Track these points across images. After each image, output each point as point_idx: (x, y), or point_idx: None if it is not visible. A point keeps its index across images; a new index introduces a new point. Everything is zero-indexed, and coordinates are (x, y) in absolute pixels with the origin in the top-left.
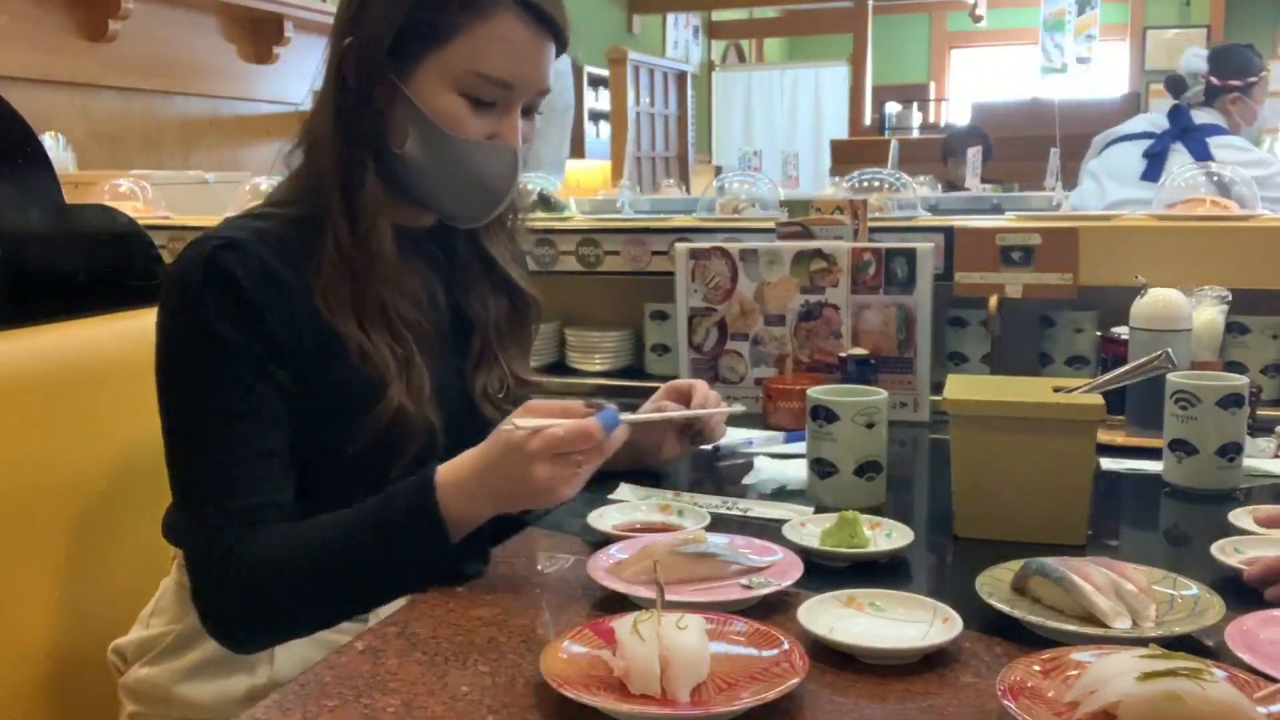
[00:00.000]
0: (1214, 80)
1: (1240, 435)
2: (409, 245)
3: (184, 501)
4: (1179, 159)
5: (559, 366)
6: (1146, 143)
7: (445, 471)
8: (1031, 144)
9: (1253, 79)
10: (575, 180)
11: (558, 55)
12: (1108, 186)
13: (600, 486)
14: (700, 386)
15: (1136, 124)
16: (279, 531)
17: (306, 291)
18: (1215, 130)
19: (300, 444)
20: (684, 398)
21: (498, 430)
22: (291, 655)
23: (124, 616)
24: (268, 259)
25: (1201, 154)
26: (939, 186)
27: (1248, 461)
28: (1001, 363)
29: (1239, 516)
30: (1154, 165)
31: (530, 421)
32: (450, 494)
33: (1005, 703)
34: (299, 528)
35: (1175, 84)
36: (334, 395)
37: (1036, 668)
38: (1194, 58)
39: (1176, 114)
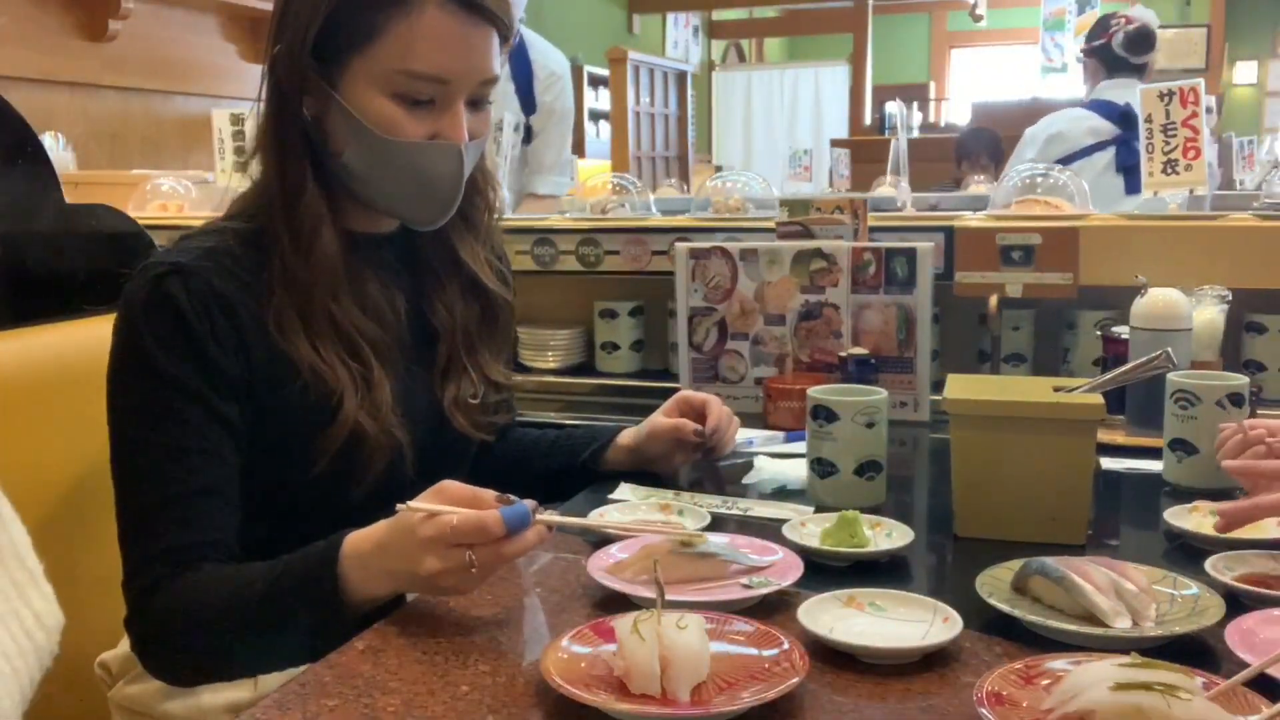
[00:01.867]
0: (1128, 57)
1: None
2: (367, 253)
3: (119, 533)
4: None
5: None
6: (1105, 154)
7: (353, 541)
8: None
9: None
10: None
11: (503, 41)
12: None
13: (600, 486)
14: (714, 404)
15: (1077, 134)
16: (195, 579)
17: (258, 313)
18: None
19: (260, 470)
20: (696, 413)
21: (400, 510)
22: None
23: (114, 627)
24: (216, 283)
25: None
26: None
27: None
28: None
29: (1177, 514)
30: (1131, 178)
31: (426, 505)
32: (352, 565)
33: (981, 710)
34: (214, 576)
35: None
36: (289, 419)
37: (1015, 676)
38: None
39: (1109, 108)
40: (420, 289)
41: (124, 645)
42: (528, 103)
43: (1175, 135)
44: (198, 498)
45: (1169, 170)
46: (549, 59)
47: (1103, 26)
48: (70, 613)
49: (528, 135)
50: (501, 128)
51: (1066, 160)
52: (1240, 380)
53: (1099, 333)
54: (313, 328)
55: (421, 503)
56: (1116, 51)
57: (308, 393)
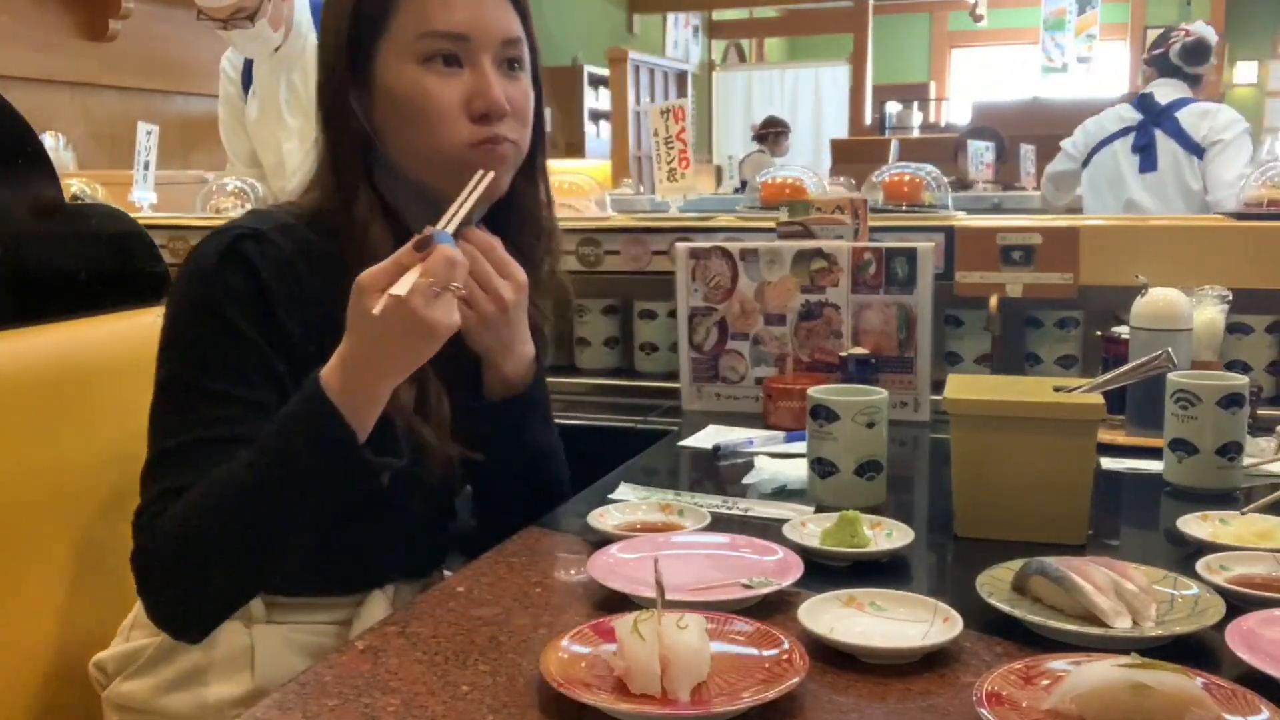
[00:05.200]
0: (1182, 65)
1: (1241, 435)
2: None
3: (141, 472)
4: (1165, 145)
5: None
6: (1128, 138)
7: (329, 368)
8: (1032, 144)
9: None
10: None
11: (516, 5)
12: (1108, 195)
13: (600, 486)
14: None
15: (1109, 123)
16: (196, 488)
17: (322, 291)
18: (1181, 103)
19: None
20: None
21: (361, 315)
22: (272, 663)
23: (108, 628)
24: (289, 253)
25: (1176, 132)
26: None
27: (1248, 461)
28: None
29: (1189, 523)
30: (1146, 157)
31: (404, 284)
32: (338, 386)
33: (980, 710)
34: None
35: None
36: None
37: (1015, 676)
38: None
39: (1143, 101)
40: None
41: (118, 644)
42: None
43: (673, 148)
44: (233, 445)
45: (671, 178)
46: None
47: (1163, 38)
48: (65, 614)
49: None
50: None
51: (1099, 145)
52: (1240, 380)
53: (1100, 333)
54: None
55: (395, 289)
56: (1173, 61)
57: None
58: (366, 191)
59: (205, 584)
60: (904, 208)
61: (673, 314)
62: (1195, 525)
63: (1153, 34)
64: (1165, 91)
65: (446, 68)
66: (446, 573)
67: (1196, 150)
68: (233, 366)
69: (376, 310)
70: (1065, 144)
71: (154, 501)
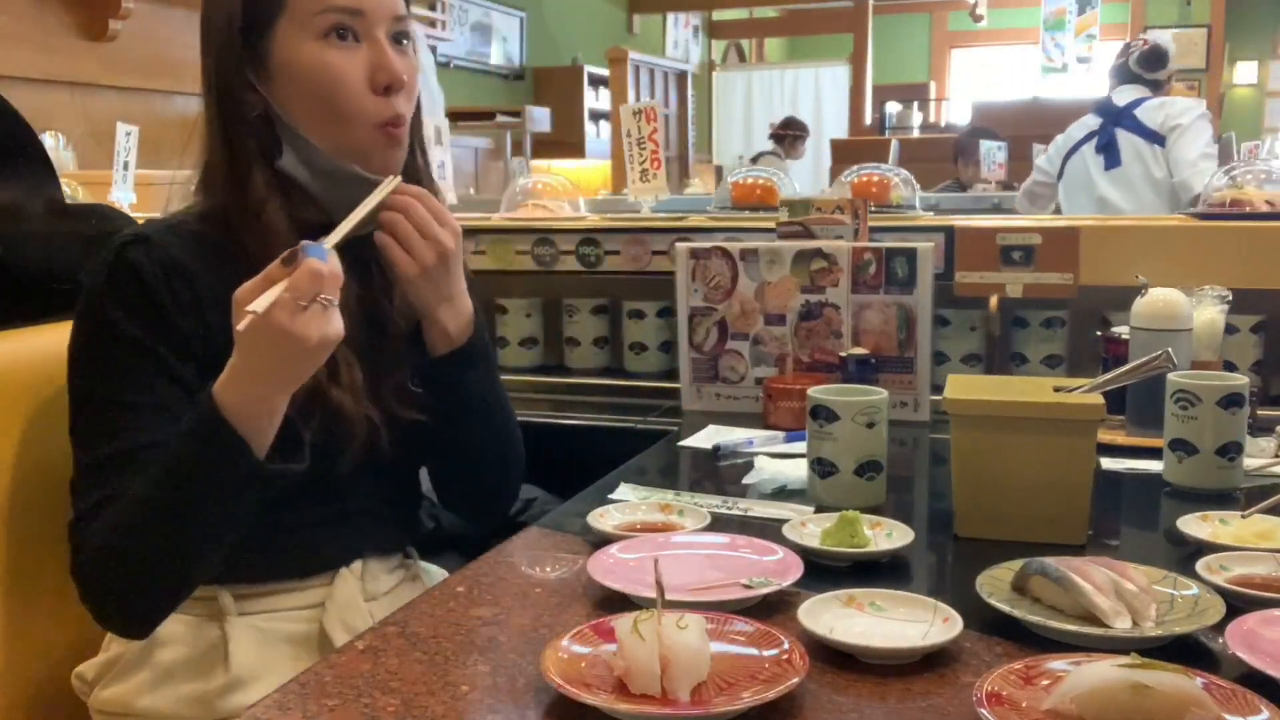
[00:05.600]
0: (1141, 72)
1: (1241, 435)
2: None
3: (70, 486)
4: (1126, 139)
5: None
6: (1092, 142)
7: (219, 384)
8: (1032, 144)
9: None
10: (575, 179)
11: None
12: (1081, 197)
13: (600, 486)
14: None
15: (1076, 132)
16: (116, 506)
17: (218, 287)
18: (1138, 102)
19: None
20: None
21: (237, 331)
22: (247, 655)
23: (89, 639)
24: (177, 253)
25: (1135, 127)
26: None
27: (1252, 462)
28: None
29: (1189, 524)
30: (1109, 156)
31: (263, 301)
32: (231, 398)
33: (980, 710)
34: (128, 496)
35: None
36: None
37: (1015, 676)
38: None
39: (1103, 105)
40: (370, 283)
41: (101, 655)
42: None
43: (645, 148)
44: (150, 450)
45: (644, 179)
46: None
47: (1124, 50)
48: (46, 624)
49: None
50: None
51: (1068, 155)
52: (1240, 380)
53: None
54: None
55: (253, 306)
56: (1132, 68)
57: None
58: (261, 170)
59: (139, 589)
60: (872, 208)
61: (661, 314)
62: (1195, 525)
63: (1156, 35)
64: (1123, 94)
65: (343, 42)
66: (425, 566)
67: (1157, 139)
68: (134, 376)
69: (240, 327)
70: (1040, 161)
71: (83, 515)
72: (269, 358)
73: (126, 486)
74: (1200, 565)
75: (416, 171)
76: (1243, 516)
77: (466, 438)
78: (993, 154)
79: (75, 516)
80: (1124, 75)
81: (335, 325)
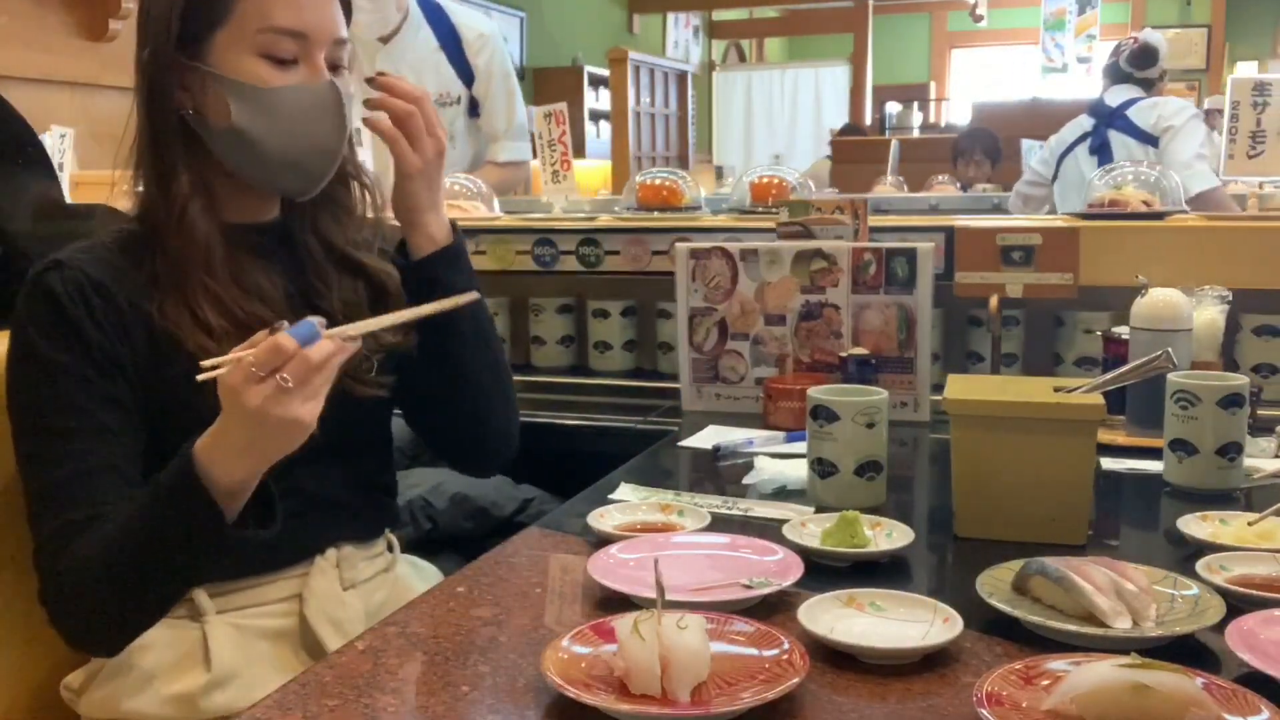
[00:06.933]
0: (1132, 71)
1: (1241, 435)
2: (244, 240)
3: (28, 520)
4: (1119, 140)
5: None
6: (1085, 143)
7: (200, 442)
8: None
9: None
10: (575, 179)
11: (346, 10)
12: (1074, 198)
13: (600, 486)
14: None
15: (1069, 134)
16: (87, 538)
17: (136, 299)
18: (1130, 102)
19: (166, 448)
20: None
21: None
22: (228, 652)
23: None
24: (91, 272)
25: (1127, 127)
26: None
27: (1248, 461)
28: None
29: (1189, 524)
30: (1103, 155)
31: (224, 359)
32: (207, 460)
33: (980, 710)
34: (101, 530)
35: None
36: (181, 396)
37: (1015, 676)
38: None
39: (1096, 106)
40: (301, 273)
41: (86, 662)
42: (463, 70)
43: (556, 150)
44: (94, 475)
45: (555, 179)
46: (475, 21)
47: (1115, 49)
48: (33, 637)
49: (474, 108)
50: (447, 103)
51: (1062, 156)
52: (1240, 380)
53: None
54: (194, 304)
55: (211, 361)
56: (1123, 67)
57: (195, 369)
58: (186, 170)
59: (107, 620)
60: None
61: (625, 313)
62: (1195, 525)
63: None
64: (1116, 94)
65: (282, 65)
66: (415, 561)
67: (1150, 140)
68: (67, 401)
69: (199, 378)
70: (1034, 163)
71: (44, 545)
72: (233, 423)
73: (83, 513)
74: (1200, 565)
75: (351, 200)
76: (1250, 525)
77: (460, 366)
78: (1032, 151)
79: (36, 546)
80: (1116, 74)
81: (297, 411)
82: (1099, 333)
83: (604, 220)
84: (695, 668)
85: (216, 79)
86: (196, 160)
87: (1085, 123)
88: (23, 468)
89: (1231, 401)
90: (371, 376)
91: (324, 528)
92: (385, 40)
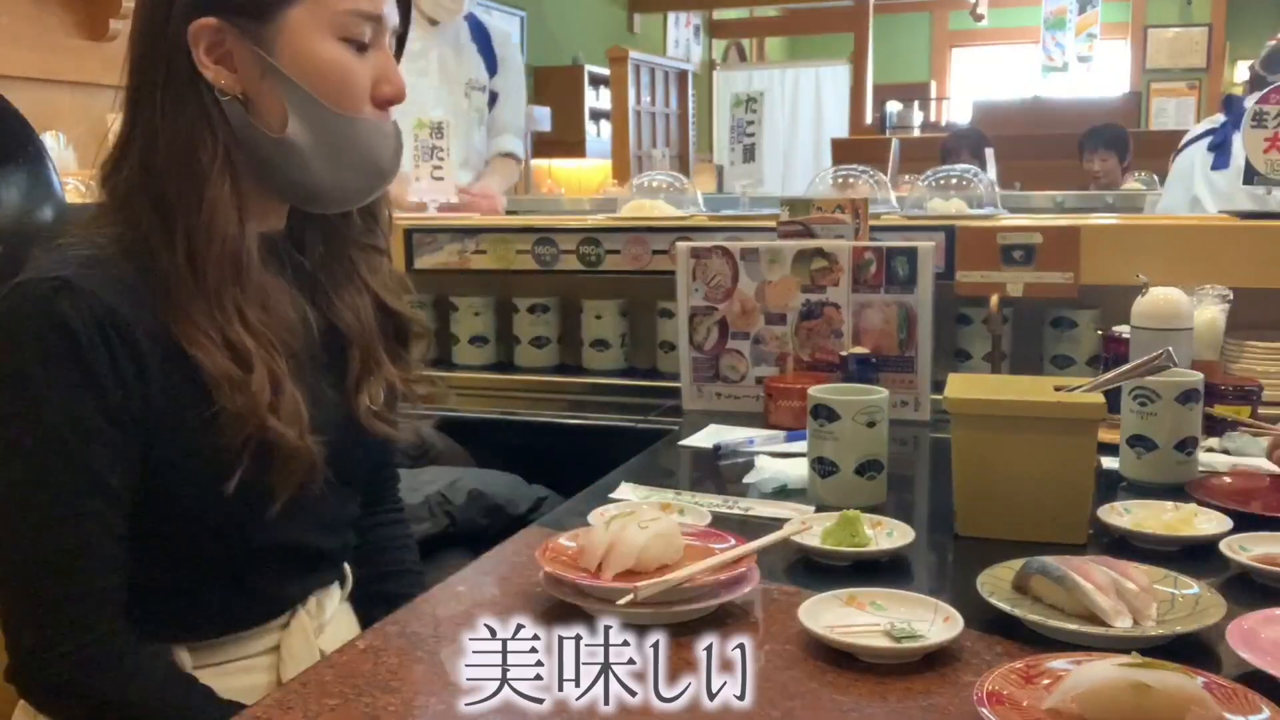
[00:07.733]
0: (1259, 70)
1: (1196, 429)
2: (261, 256)
3: (8, 614)
4: (1240, 142)
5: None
6: (1209, 138)
7: None
8: (1033, 143)
9: None
10: (575, 179)
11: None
12: (1179, 192)
13: (601, 486)
14: None
15: (1199, 127)
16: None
17: (153, 325)
18: None
19: (173, 493)
20: None
21: None
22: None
23: None
24: (107, 299)
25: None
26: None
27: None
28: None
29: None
30: (1220, 154)
31: None
32: None
33: (981, 710)
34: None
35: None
36: (195, 439)
37: (1015, 676)
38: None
39: (1228, 104)
40: (321, 292)
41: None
42: (490, 61)
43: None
44: (114, 594)
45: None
46: (494, 18)
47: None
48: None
49: (492, 99)
50: (478, 88)
51: (1188, 143)
52: (1196, 376)
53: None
54: (224, 321)
55: None
56: (1259, 71)
57: (213, 405)
58: (225, 164)
59: None
60: None
61: (624, 312)
62: (1116, 516)
63: (1156, 34)
64: (1254, 97)
65: (360, 49)
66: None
67: None
68: (71, 480)
69: None
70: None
71: (39, 653)
72: None
73: (94, 628)
74: (1224, 545)
75: (380, 233)
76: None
77: None
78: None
79: (27, 649)
80: (1257, 83)
81: None
82: (1100, 331)
83: (604, 220)
84: (627, 555)
85: (279, 78)
86: (229, 153)
87: (1217, 118)
88: (5, 550)
89: (1189, 397)
90: (389, 415)
91: (302, 576)
92: (435, 23)
